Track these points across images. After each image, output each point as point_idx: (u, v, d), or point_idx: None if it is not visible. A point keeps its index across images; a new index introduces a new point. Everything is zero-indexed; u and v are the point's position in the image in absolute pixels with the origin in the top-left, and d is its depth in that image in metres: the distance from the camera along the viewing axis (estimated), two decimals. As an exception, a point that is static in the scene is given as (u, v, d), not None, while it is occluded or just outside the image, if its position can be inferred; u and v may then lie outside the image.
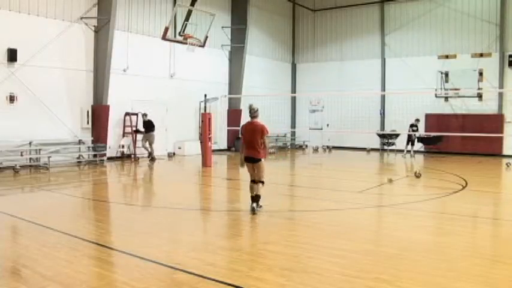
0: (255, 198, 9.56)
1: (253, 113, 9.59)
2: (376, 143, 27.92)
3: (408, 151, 24.28)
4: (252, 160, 9.59)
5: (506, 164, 20.39)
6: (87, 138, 19.62)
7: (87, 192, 13.38)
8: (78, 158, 19.36)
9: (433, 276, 5.83)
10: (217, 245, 7.32)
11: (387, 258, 6.64)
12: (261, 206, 9.69)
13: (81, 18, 19.27)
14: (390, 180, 15.71)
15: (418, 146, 25.49)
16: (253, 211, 9.46)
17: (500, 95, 25.20)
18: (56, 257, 6.51)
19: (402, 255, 6.75)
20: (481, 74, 24.06)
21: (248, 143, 9.61)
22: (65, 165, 18.33)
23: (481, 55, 25.35)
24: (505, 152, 24.98)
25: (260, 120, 9.71)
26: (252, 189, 9.69)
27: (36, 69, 17.74)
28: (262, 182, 9.65)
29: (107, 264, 6.42)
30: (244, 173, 18.81)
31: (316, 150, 28.71)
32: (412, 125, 24.36)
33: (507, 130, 24.82)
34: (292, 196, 13.16)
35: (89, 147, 19.58)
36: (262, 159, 9.55)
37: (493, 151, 24.75)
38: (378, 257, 6.75)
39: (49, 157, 17.64)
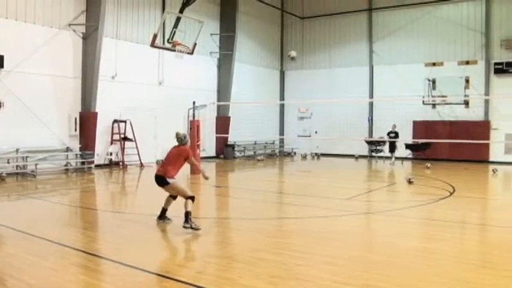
0: (187, 214, 8.37)
1: (180, 141, 8.96)
2: (364, 150, 28.03)
3: (390, 158, 24.36)
4: (160, 181, 8.68)
5: (493, 170, 20.55)
6: (75, 145, 19.48)
7: (74, 199, 13.29)
8: (66, 165, 19.22)
9: (422, 282, 5.85)
10: (206, 253, 7.30)
11: (376, 264, 6.66)
12: (193, 224, 8.37)
13: (70, 25, 19.20)
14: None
15: (406, 152, 25.61)
16: (159, 222, 8.94)
17: (487, 102, 25.43)
18: (43, 265, 6.44)
19: (391, 261, 6.77)
20: (467, 81, 24.31)
21: (164, 160, 9.11)
22: (52, 173, 18.19)
23: (467, 63, 25.61)
24: (492, 158, 25.18)
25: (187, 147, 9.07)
26: (166, 200, 9.01)
27: (24, 75, 17.61)
28: (192, 199, 8.59)
29: (95, 272, 6.37)
30: (232, 180, 18.91)
31: (304, 157, 28.74)
32: (389, 132, 24.51)
33: (493, 137, 25.05)
34: (281, 203, 13.16)
35: (76, 154, 19.44)
36: (171, 181, 8.59)
37: (480, 157, 24.94)
38: (367, 263, 6.77)
39: (36, 164, 17.50)
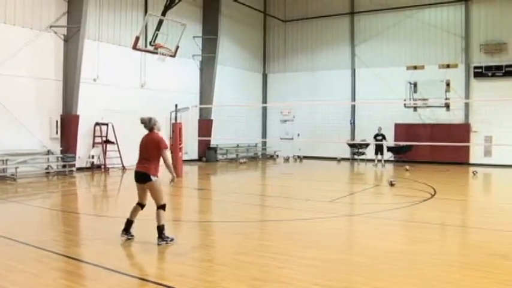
0: (160, 228, 7.77)
1: (146, 125, 8.15)
2: (346, 152, 28.17)
3: (379, 160, 24.55)
4: (142, 178, 7.93)
5: (473, 172, 20.82)
6: (56, 148, 19.29)
7: (55, 203, 13.16)
8: (47, 168, 19.03)
9: (403, 284, 5.90)
10: (187, 256, 7.27)
11: (357, 266, 6.70)
12: (168, 239, 7.81)
13: (51, 26, 19.04)
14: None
15: (388, 155, 25.81)
16: (122, 236, 7.98)
17: (467, 105, 25.74)
18: (22, 270, 6.36)
19: (372, 263, 6.81)
20: (448, 84, 24.64)
21: (139, 156, 8.12)
22: (33, 176, 17.99)
23: (448, 66, 25.92)
24: (472, 160, 25.49)
25: (159, 132, 8.27)
26: (133, 211, 8.07)
27: (4, 77, 17.40)
28: (163, 208, 7.87)
29: (76, 276, 6.30)
30: (215, 183, 18.88)
31: (287, 160, 28.80)
32: (376, 135, 24.66)
33: (473, 139, 25.37)
34: (263, 206, 13.18)
35: (58, 157, 19.24)
36: (154, 179, 7.85)
37: (460, 160, 25.23)
38: (349, 265, 6.81)
39: (16, 168, 17.29)
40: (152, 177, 7.84)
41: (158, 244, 7.69)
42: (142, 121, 8.18)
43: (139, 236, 8.25)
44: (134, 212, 8.07)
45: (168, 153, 8.18)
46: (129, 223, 8.03)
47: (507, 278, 6.21)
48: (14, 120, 17.68)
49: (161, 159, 8.00)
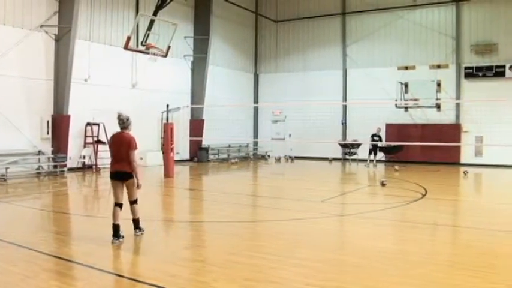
0: (135, 223, 8.25)
1: (122, 123, 8.19)
2: (338, 152, 28.23)
3: (371, 160, 24.65)
4: (122, 176, 8.03)
5: (464, 172, 20.92)
6: (47, 148, 19.18)
7: (46, 204, 13.09)
8: (38, 169, 18.92)
9: (394, 284, 5.92)
10: (179, 256, 7.26)
11: (349, 266, 6.72)
12: (142, 230, 8.41)
13: (41, 26, 18.93)
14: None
15: (379, 155, 25.89)
16: (115, 241, 7.87)
17: (458, 105, 25.88)
18: (13, 271, 6.33)
19: (363, 263, 6.83)
20: (439, 85, 24.77)
21: (115, 156, 8.16)
22: (23, 177, 17.88)
23: (439, 66, 26.05)
24: (463, 160, 25.63)
25: (130, 132, 8.31)
26: (115, 214, 7.99)
27: (-6, 78, 17.33)
28: (136, 201, 8.23)
29: (66, 277, 6.26)
30: (206, 183, 18.85)
31: (278, 160, 28.81)
32: (373, 135, 24.73)
33: (464, 139, 25.50)
34: (255, 206, 13.18)
35: (48, 158, 19.15)
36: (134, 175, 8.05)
37: (451, 160, 25.35)
38: (341, 265, 6.83)
39: (7, 168, 17.17)
40: (133, 174, 8.08)
41: (136, 235, 8.24)
42: (120, 117, 8.18)
43: (130, 237, 8.22)
44: (117, 215, 8.02)
45: (136, 156, 8.19)
46: (115, 227, 7.98)
47: (498, 277, 6.25)
48: (4, 121, 17.58)
49: None
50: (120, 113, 8.22)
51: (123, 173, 8.02)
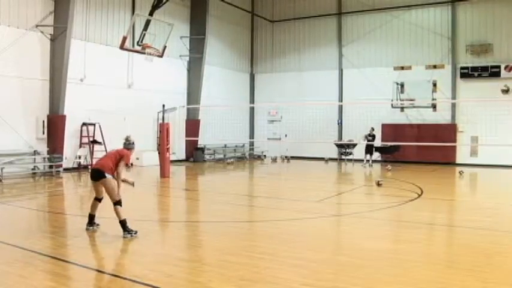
0: (122, 223, 8.29)
1: (127, 144, 8.87)
2: (334, 152, 28.23)
3: (368, 161, 24.69)
4: (97, 175, 8.41)
5: (460, 172, 20.99)
6: (43, 148, 19.14)
7: (42, 204, 13.06)
8: (33, 169, 18.88)
9: (390, 284, 5.94)
10: (176, 257, 7.26)
11: (345, 266, 6.73)
12: (133, 232, 8.29)
13: (37, 26, 18.89)
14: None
15: (376, 155, 25.92)
16: (89, 228, 8.72)
17: (453, 105, 25.94)
18: (8, 272, 6.31)
19: (359, 263, 6.84)
20: (434, 85, 24.81)
21: (105, 156, 8.93)
22: (19, 177, 17.84)
23: (435, 67, 26.13)
24: (458, 160, 25.70)
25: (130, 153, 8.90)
26: (92, 206, 8.77)
27: (-11, 78, 17.28)
28: (119, 203, 8.33)
29: (63, 278, 6.26)
30: (202, 183, 18.84)
31: (274, 160, 28.81)
32: (368, 135, 24.77)
33: (460, 139, 25.58)
34: (251, 206, 13.17)
35: (44, 158, 19.11)
36: (108, 176, 8.32)
37: (447, 160, 25.42)
38: (336, 265, 6.84)
39: (2, 168, 17.12)
40: (107, 174, 8.34)
41: (124, 237, 8.19)
42: (128, 139, 8.93)
43: (125, 238, 8.21)
44: (94, 207, 8.80)
45: (124, 169, 8.67)
46: (90, 216, 8.82)
47: (493, 276, 6.27)
48: (-1, 121, 17.56)
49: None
50: (128, 136, 8.97)
51: (96, 170, 8.50)
